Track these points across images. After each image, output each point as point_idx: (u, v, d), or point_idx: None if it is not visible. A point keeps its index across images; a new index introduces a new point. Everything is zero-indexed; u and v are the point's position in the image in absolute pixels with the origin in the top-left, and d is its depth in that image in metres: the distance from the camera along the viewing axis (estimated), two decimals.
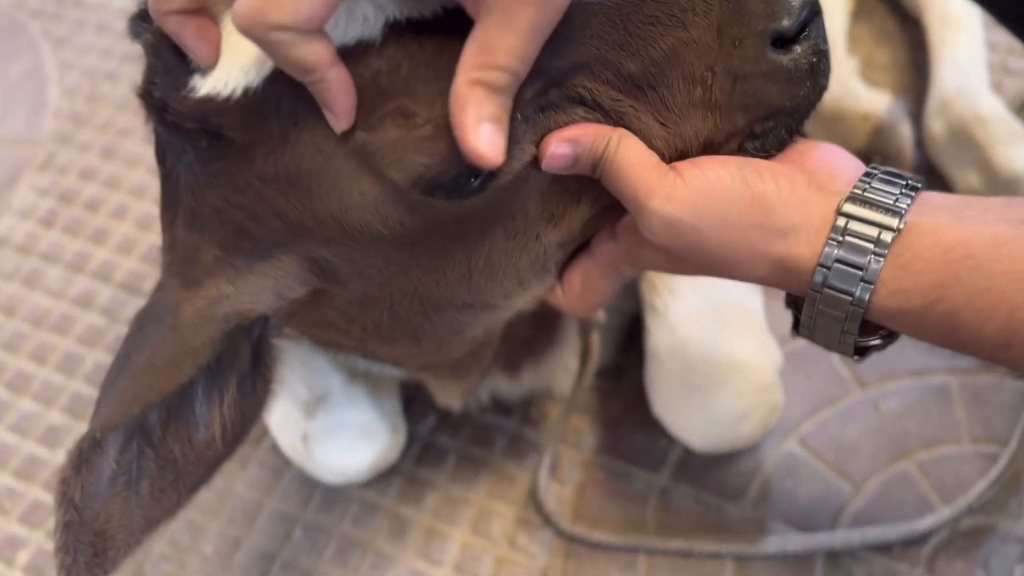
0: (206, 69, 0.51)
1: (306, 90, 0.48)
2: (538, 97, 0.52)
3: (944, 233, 0.49)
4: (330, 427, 0.88)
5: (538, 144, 0.53)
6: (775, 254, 0.52)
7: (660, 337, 0.87)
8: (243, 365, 0.56)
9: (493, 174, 0.51)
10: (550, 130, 0.53)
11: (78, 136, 1.29)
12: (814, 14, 0.54)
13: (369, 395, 0.90)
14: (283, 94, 0.49)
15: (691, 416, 0.87)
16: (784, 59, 0.53)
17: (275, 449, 0.97)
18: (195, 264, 0.54)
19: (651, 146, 0.54)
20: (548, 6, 0.46)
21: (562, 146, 0.52)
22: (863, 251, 0.50)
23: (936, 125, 1.10)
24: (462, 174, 0.49)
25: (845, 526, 0.89)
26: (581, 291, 0.63)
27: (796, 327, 0.56)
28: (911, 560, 0.86)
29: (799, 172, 0.53)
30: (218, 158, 0.51)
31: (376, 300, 0.60)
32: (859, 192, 0.51)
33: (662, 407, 0.89)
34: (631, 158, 0.52)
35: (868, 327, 0.53)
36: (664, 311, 0.87)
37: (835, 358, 1.00)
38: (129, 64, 1.38)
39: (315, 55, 0.46)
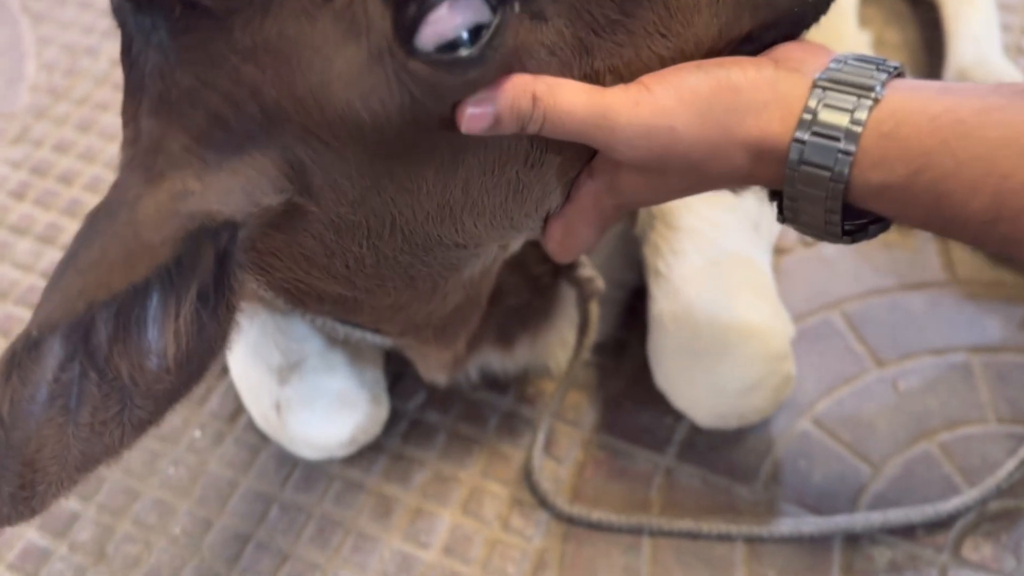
0: None
1: None
2: (529, 1, 0.48)
3: (930, 101, 0.47)
4: (305, 395, 0.83)
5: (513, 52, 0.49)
6: (750, 137, 0.50)
7: (664, 302, 0.83)
8: (205, 276, 0.50)
9: (470, 46, 0.47)
10: (530, 44, 0.49)
11: (54, 109, 1.26)
12: None
13: (349, 362, 0.84)
14: None
15: (697, 386, 0.83)
16: None
17: (252, 427, 0.92)
18: (159, 155, 0.49)
19: (647, 66, 0.52)
20: None
21: (481, 104, 0.48)
22: (839, 124, 0.47)
23: None
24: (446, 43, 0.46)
25: (864, 509, 0.84)
26: (562, 238, 0.61)
27: (781, 213, 0.54)
28: (936, 545, 0.81)
29: (764, 58, 0.52)
30: (192, 30, 0.47)
31: (353, 227, 0.55)
32: (834, 70, 0.49)
33: (666, 377, 0.85)
34: (575, 94, 0.50)
35: (854, 214, 0.51)
36: (668, 274, 0.83)
37: (850, 336, 0.96)
38: (110, 40, 1.34)
39: None
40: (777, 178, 0.51)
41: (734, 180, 0.53)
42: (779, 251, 1.01)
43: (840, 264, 1.01)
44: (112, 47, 1.33)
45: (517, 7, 0.48)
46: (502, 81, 0.49)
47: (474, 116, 0.49)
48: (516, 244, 0.67)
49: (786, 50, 0.54)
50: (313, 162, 0.51)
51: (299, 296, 0.64)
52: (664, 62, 0.53)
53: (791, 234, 1.03)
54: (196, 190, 0.48)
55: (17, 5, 1.40)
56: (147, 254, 0.47)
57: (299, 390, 0.83)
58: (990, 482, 0.82)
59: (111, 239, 0.47)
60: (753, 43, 0.55)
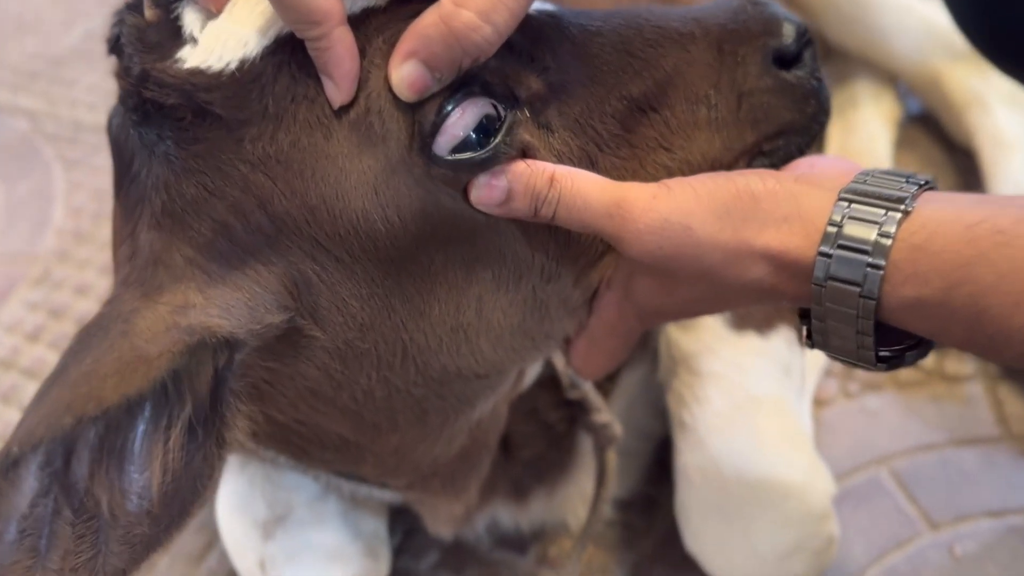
0: (212, 14, 0.50)
1: (307, 64, 0.48)
2: (538, 111, 0.52)
3: (965, 211, 0.46)
4: (291, 550, 0.80)
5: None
6: (770, 248, 0.50)
7: (689, 455, 0.81)
8: (200, 396, 0.50)
9: (487, 143, 0.50)
10: (539, 149, 0.53)
11: (77, 253, 1.31)
12: (809, 42, 0.58)
13: (342, 513, 0.82)
14: (281, 67, 0.49)
15: (730, 550, 0.79)
16: (788, 75, 0.57)
17: None
18: (159, 267, 0.50)
19: (654, 177, 0.55)
20: None
21: (498, 176, 0.51)
22: (866, 237, 0.47)
23: None
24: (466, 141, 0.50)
25: None
26: (587, 353, 0.61)
27: (810, 337, 0.53)
28: None
29: (785, 172, 0.53)
30: (201, 139, 0.49)
31: (361, 356, 0.55)
32: (859, 183, 0.50)
33: (695, 539, 0.81)
34: (592, 181, 0.52)
35: (888, 335, 0.50)
36: (693, 424, 0.81)
37: (900, 495, 0.93)
38: None
39: (327, 3, 0.46)
40: (802, 294, 0.51)
41: (753, 293, 0.53)
42: (819, 403, 0.99)
43: (885, 417, 0.99)
44: None
45: (526, 111, 0.52)
46: (517, 162, 0.51)
47: (487, 186, 0.50)
48: (531, 373, 0.67)
49: (804, 164, 0.56)
50: (320, 279, 0.52)
51: (301, 445, 0.64)
52: (671, 173, 0.56)
53: (832, 385, 1.02)
54: (197, 303, 0.49)
55: (51, 153, 1.48)
56: (143, 367, 0.46)
57: (284, 546, 0.81)
58: None
59: (105, 352, 0.47)
60: (768, 156, 0.58)
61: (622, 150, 0.55)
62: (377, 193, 0.50)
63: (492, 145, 0.50)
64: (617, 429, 0.79)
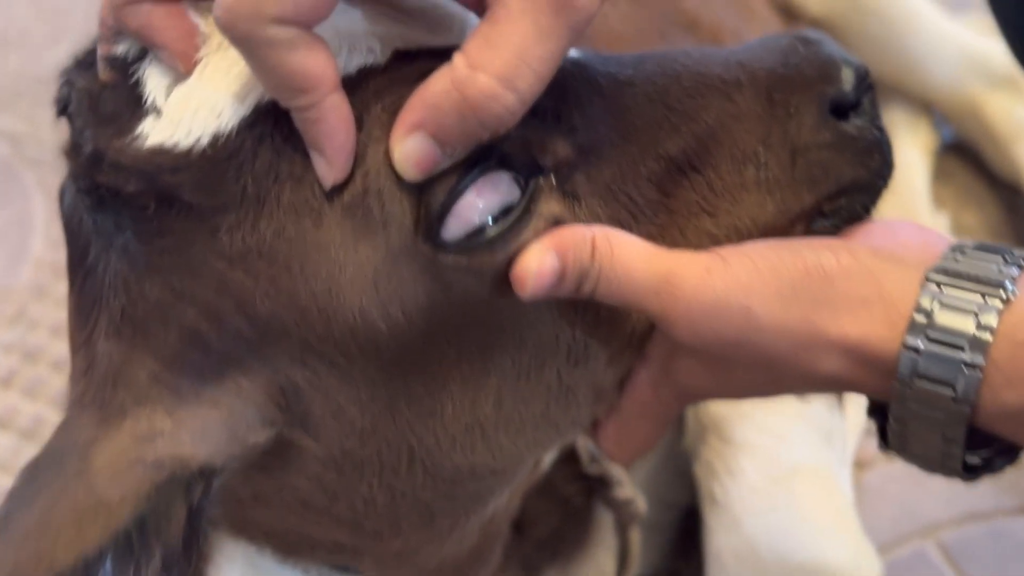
0: (180, 76, 0.44)
1: (292, 136, 0.42)
2: (564, 178, 0.46)
3: None
4: None
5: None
6: (848, 338, 0.44)
7: (722, 536, 0.76)
8: (173, 540, 0.44)
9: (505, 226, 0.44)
10: (565, 221, 0.47)
11: (56, 289, 1.24)
12: (870, 86, 0.51)
13: None
14: (262, 141, 0.43)
15: None
16: (848, 126, 0.50)
17: None
18: (119, 386, 0.44)
19: (696, 246, 0.49)
20: (571, 9, 0.40)
21: (548, 256, 0.44)
22: (962, 330, 0.41)
23: None
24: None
25: None
26: (618, 438, 0.55)
27: (884, 438, 0.48)
28: None
29: (858, 244, 0.47)
30: (167, 232, 0.43)
31: (360, 464, 0.49)
32: (950, 263, 0.44)
33: None
34: (635, 249, 0.46)
35: (977, 438, 0.44)
36: (725, 501, 0.76)
37: (949, 571, 0.89)
38: None
39: (317, 66, 0.40)
40: (881, 388, 0.45)
41: (821, 385, 0.48)
42: (859, 465, 0.94)
43: (931, 481, 0.90)
44: None
45: (552, 179, 0.46)
46: (554, 232, 0.45)
47: (542, 274, 0.44)
48: (549, 458, 0.62)
49: (881, 233, 0.50)
50: (312, 386, 0.46)
51: (288, 549, 0.58)
52: (717, 241, 0.50)
53: (872, 445, 0.95)
54: (166, 429, 0.43)
55: (32, 179, 1.41)
56: (103, 515, 0.41)
57: None
58: None
59: (57, 496, 0.41)
60: (828, 218, 0.51)
61: (659, 217, 0.49)
62: (377, 288, 0.44)
63: (513, 217, 0.44)
64: (641, 505, 0.73)
